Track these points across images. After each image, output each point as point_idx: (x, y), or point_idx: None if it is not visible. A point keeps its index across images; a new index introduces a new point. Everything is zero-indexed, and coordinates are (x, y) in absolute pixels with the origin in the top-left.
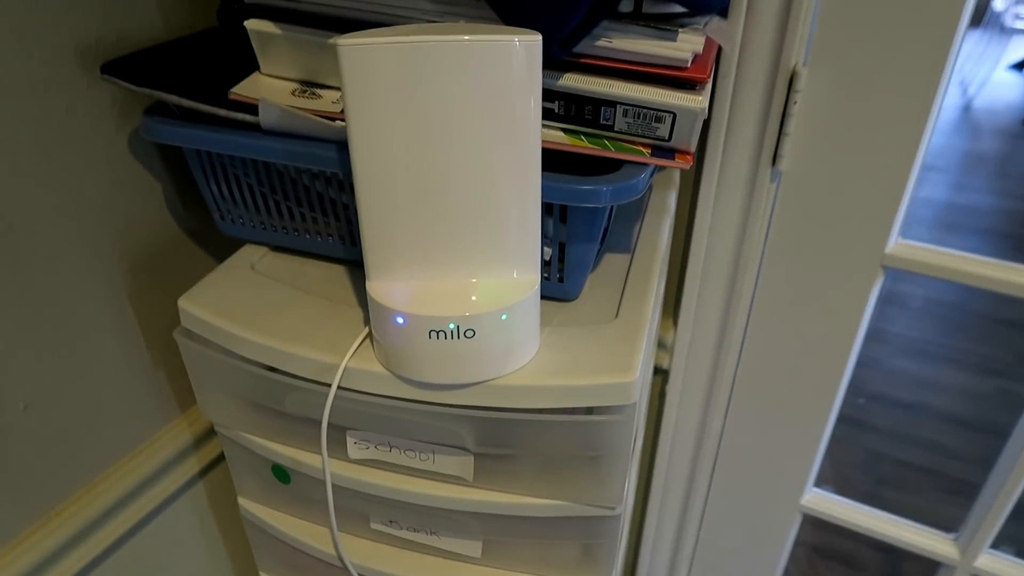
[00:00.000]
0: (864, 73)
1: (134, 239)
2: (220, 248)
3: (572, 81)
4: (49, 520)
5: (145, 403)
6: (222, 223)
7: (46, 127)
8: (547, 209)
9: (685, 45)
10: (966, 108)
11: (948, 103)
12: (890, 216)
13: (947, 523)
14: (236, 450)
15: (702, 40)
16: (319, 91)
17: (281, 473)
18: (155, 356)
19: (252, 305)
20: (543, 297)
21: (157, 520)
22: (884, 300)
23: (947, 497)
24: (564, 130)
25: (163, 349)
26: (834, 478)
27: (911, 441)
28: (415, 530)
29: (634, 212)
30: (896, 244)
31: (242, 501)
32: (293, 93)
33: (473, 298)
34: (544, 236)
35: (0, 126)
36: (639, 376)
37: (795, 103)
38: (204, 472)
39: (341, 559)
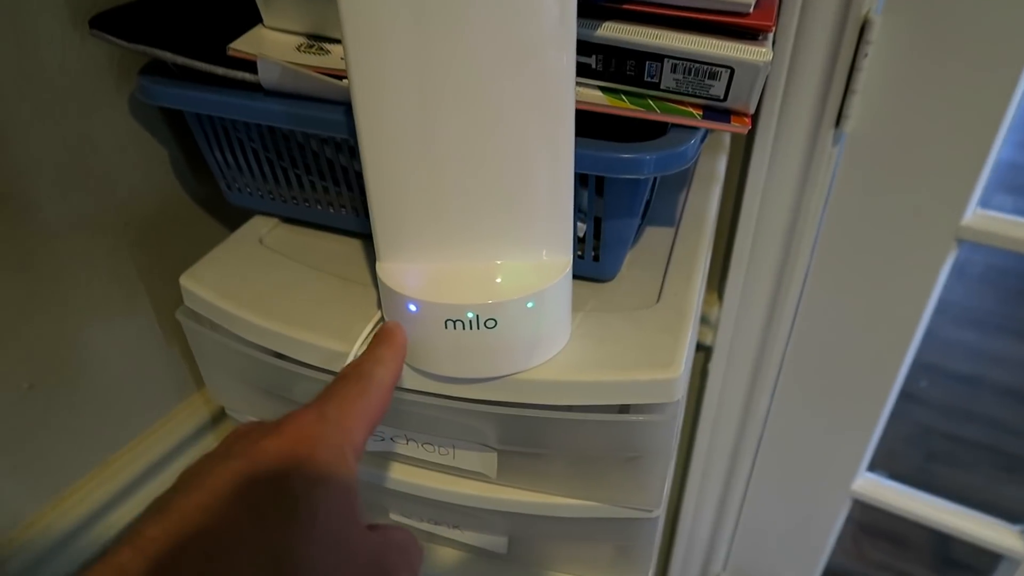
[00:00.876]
0: (948, 21)
1: (140, 208)
2: (233, 218)
3: (612, 31)
4: (62, 501)
5: (159, 380)
6: (229, 192)
7: (36, 89)
8: (582, 180)
9: None
10: None
11: None
12: (969, 184)
13: (1002, 501)
14: None
15: None
16: (327, 46)
17: None
18: (167, 331)
19: (259, 284)
20: (576, 277)
21: None
22: None
23: (1002, 474)
24: (602, 88)
25: (175, 324)
26: (881, 452)
27: (965, 415)
28: (436, 523)
29: (680, 179)
30: (973, 215)
31: None
32: (299, 48)
33: (496, 282)
34: (578, 210)
35: None
36: (684, 372)
37: (865, 56)
38: None
39: None
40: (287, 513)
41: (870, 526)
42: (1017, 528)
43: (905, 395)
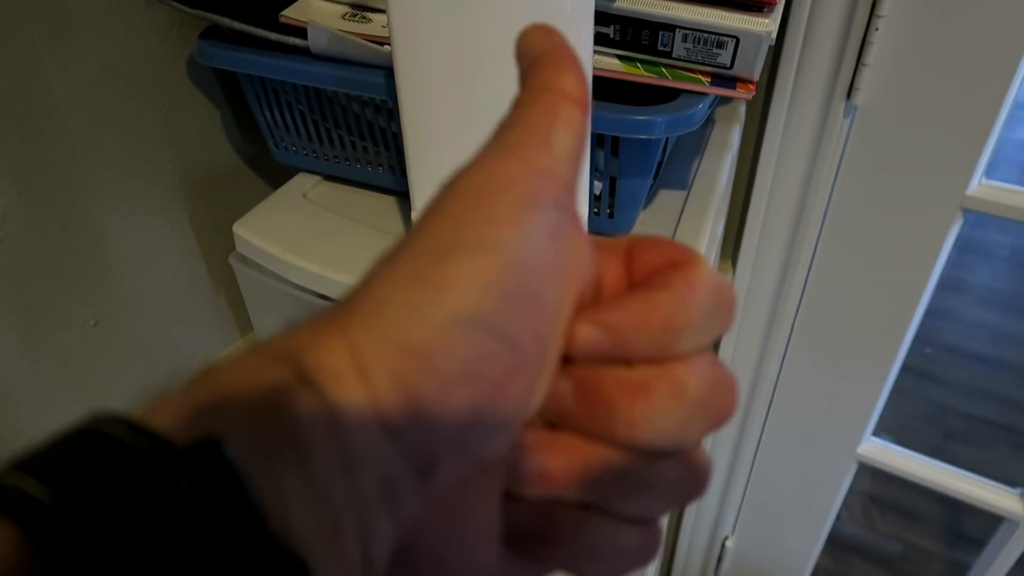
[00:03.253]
0: None
1: (193, 163)
2: (276, 175)
3: (629, 3)
4: None
5: (207, 325)
6: (276, 151)
7: (105, 49)
8: (598, 140)
9: None
10: None
11: None
12: (974, 155)
13: (1016, 479)
14: None
15: None
16: (369, 15)
17: None
18: (215, 280)
19: (303, 233)
20: (592, 232)
21: None
22: (966, 248)
23: (1018, 453)
24: (619, 57)
25: (223, 273)
26: (897, 429)
27: (984, 395)
28: None
29: (693, 147)
30: (979, 185)
31: None
32: (344, 17)
33: None
34: (595, 169)
35: (61, 48)
36: None
37: (876, 30)
38: None
39: None
40: None
41: (881, 498)
42: (1017, 491)
43: (924, 374)
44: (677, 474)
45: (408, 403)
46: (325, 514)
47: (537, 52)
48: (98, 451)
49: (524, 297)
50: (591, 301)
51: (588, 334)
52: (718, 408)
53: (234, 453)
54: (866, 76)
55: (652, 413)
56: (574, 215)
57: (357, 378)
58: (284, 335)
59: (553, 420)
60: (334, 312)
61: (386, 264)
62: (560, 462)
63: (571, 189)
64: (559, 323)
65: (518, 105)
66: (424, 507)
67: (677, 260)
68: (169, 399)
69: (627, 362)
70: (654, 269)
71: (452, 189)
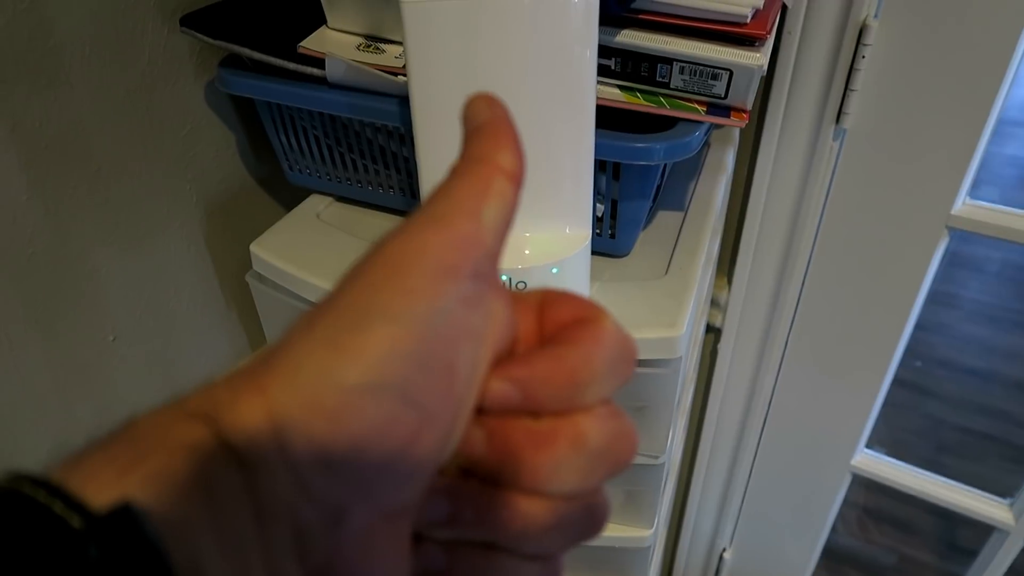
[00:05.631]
0: (939, 26)
1: (209, 185)
2: (289, 197)
3: (629, 37)
4: None
5: (220, 341)
6: (290, 173)
7: (130, 76)
8: (601, 166)
9: (745, 0)
10: None
11: None
12: (958, 176)
13: (1007, 491)
14: None
15: None
16: (383, 46)
17: None
18: (228, 297)
19: (317, 252)
20: (595, 253)
21: None
22: (957, 263)
23: (1010, 465)
24: (620, 87)
25: (235, 290)
26: (891, 443)
27: (976, 408)
28: None
29: (690, 169)
30: (964, 205)
31: None
32: (358, 47)
33: (525, 252)
34: (597, 192)
35: (89, 75)
36: (686, 331)
37: (863, 57)
38: None
39: None
40: None
41: (875, 510)
42: (1007, 501)
43: (917, 388)
44: (578, 516)
45: (319, 460)
46: (238, 564)
47: (479, 121)
48: (12, 512)
49: (434, 363)
50: (506, 353)
51: (499, 389)
52: (617, 457)
53: (148, 510)
54: (854, 101)
55: (555, 463)
56: (495, 280)
57: (272, 437)
58: (201, 392)
59: (465, 466)
60: (251, 370)
61: (305, 326)
62: (468, 507)
63: (494, 257)
64: (473, 382)
65: (453, 174)
66: (335, 551)
67: (584, 316)
68: (87, 456)
69: (535, 413)
70: (563, 324)
71: (375, 255)
